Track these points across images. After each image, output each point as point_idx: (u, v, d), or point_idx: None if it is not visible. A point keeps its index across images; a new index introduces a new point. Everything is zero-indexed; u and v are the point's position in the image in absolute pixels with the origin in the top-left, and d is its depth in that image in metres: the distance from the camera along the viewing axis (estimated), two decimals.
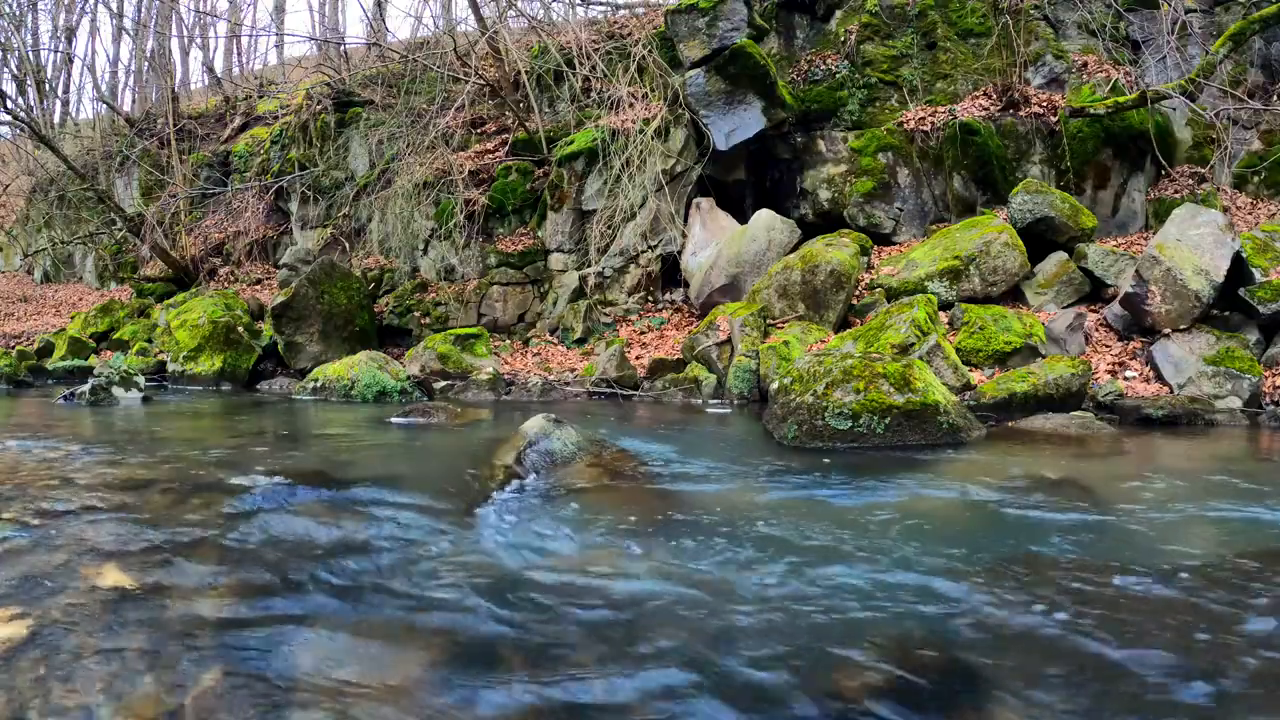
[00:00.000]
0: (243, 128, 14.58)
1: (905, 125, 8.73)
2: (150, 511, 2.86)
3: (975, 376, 6.10)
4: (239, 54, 19.34)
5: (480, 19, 11.05)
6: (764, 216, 8.36)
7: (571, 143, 9.39)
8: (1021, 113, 8.41)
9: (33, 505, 2.90)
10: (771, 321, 7.29)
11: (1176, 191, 8.29)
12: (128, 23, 17.92)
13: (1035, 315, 6.74)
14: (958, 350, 6.29)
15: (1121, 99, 7.87)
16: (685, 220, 8.88)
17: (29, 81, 15.55)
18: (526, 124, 10.24)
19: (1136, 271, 6.32)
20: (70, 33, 18.43)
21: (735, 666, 1.78)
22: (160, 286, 12.34)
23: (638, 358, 7.87)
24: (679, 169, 8.93)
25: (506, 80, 10.57)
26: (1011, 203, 7.52)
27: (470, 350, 8.13)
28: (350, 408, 6.65)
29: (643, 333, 8.54)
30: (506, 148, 10.40)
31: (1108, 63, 8.85)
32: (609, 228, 9.00)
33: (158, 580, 2.21)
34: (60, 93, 19.11)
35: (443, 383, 7.48)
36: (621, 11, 11.25)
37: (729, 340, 7.11)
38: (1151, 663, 1.80)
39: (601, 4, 11.57)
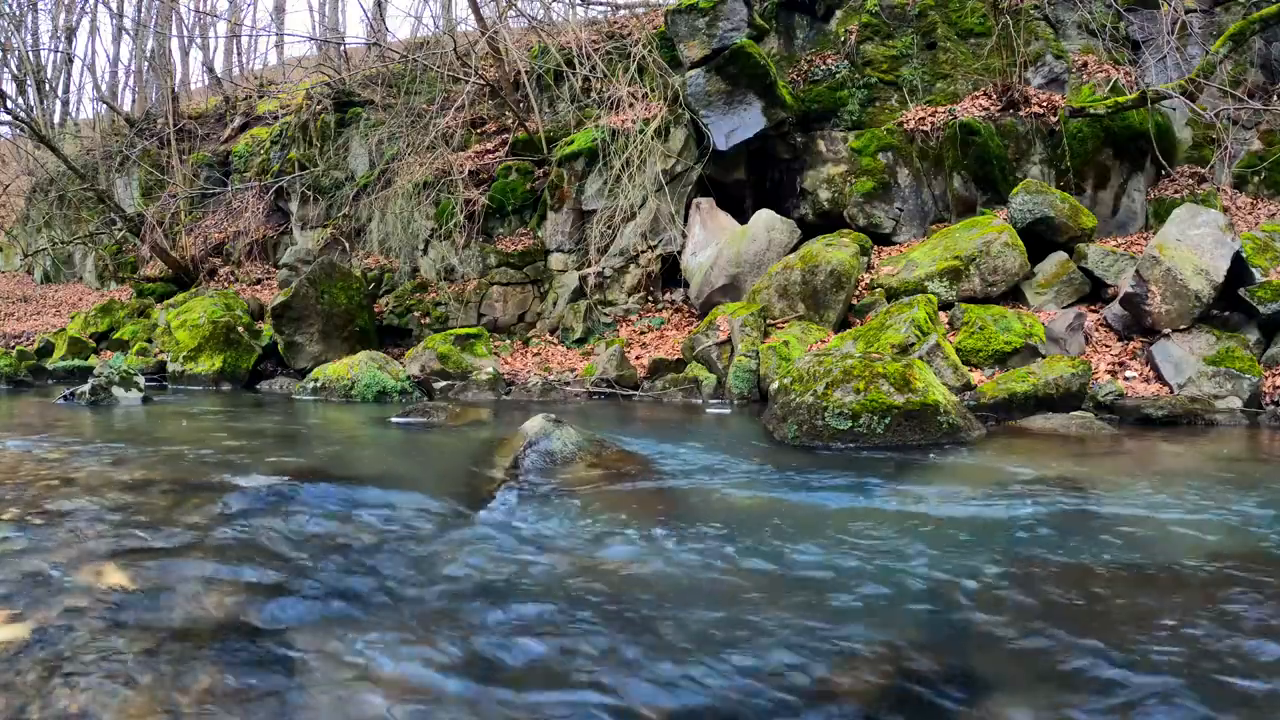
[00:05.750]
0: (243, 128, 14.58)
1: (905, 125, 8.73)
2: (150, 511, 2.86)
3: (975, 376, 6.10)
4: (239, 54, 19.36)
5: (480, 19, 11.05)
6: (764, 216, 8.36)
7: (571, 143, 9.39)
8: (1021, 113, 8.41)
9: (33, 505, 2.90)
10: (771, 321, 7.29)
11: (1176, 191, 8.28)
12: (128, 23, 17.93)
13: (1035, 315, 6.74)
14: (958, 350, 6.29)
15: (1121, 99, 7.87)
16: (685, 220, 8.88)
17: (29, 81, 15.55)
18: (526, 124, 10.23)
19: (1136, 271, 6.32)
20: (70, 33, 18.43)
21: (735, 665, 1.78)
22: (160, 286, 12.34)
23: (638, 358, 7.87)
24: (679, 169, 8.93)
25: (506, 80, 10.57)
26: (1011, 203, 7.52)
27: (470, 350, 8.13)
28: (350, 408, 6.65)
29: (643, 333, 8.54)
30: (506, 148, 10.40)
31: (1108, 63, 8.85)
32: (609, 228, 9.00)
33: (158, 580, 2.21)
34: (60, 93, 19.12)
35: (443, 383, 7.48)
36: (621, 11, 11.25)
37: (729, 340, 7.11)
38: (1151, 663, 1.80)
39: (601, 4, 11.57)
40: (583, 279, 9.10)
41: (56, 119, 18.71)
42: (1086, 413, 5.31)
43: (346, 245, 11.26)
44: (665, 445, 4.36)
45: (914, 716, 1.62)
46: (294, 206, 12.36)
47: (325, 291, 8.86)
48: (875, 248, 8.40)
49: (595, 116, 9.54)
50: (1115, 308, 6.57)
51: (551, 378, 7.77)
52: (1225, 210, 7.69)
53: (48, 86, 17.29)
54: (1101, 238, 7.85)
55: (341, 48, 14.67)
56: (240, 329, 9.07)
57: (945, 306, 6.98)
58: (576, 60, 9.77)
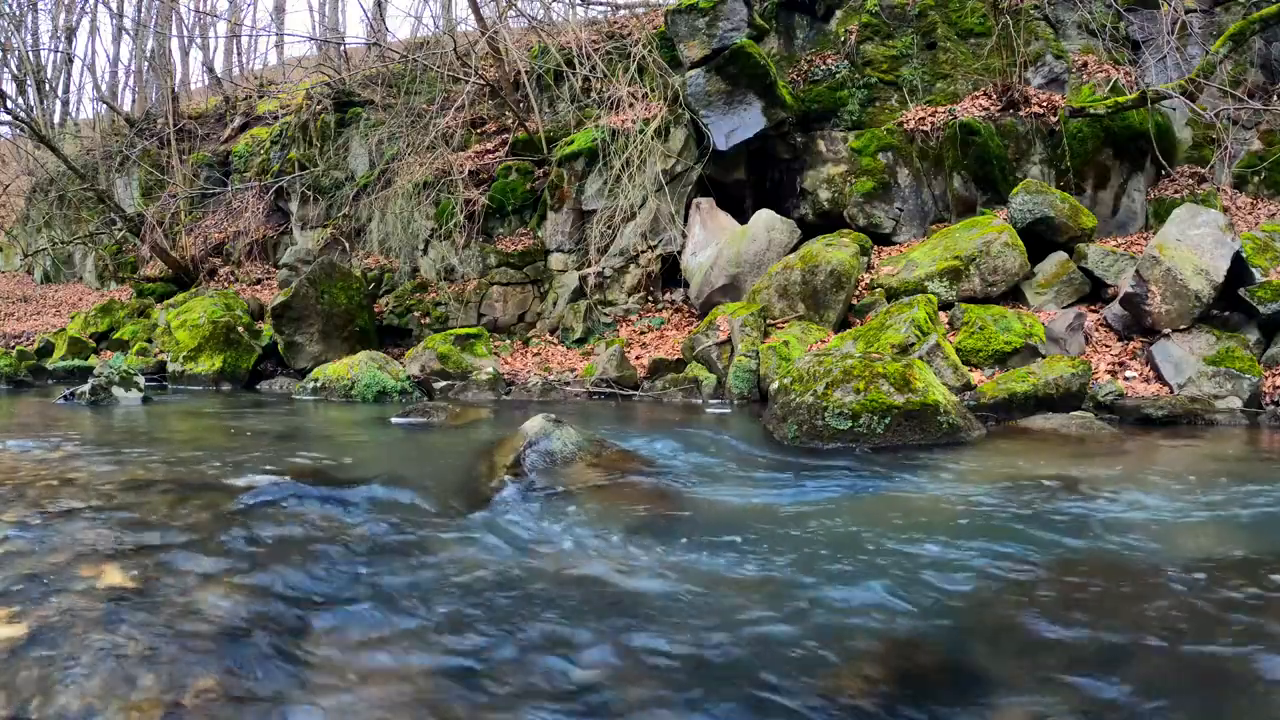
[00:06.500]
0: (243, 128, 14.58)
1: (905, 125, 8.73)
2: (150, 511, 2.86)
3: (975, 376, 6.10)
4: (239, 54, 19.36)
5: (480, 19, 11.05)
6: (764, 216, 8.36)
7: (571, 143, 9.39)
8: (1021, 113, 8.41)
9: (33, 505, 2.90)
10: (771, 321, 7.29)
11: (1176, 191, 8.28)
12: (128, 23, 17.92)
13: (1035, 315, 6.74)
14: (958, 350, 6.29)
15: (1121, 99, 7.87)
16: (685, 220, 8.88)
17: (29, 81, 15.55)
18: (526, 124, 10.23)
19: (1136, 271, 6.32)
20: (70, 33, 18.42)
21: (735, 664, 1.78)
22: (160, 286, 12.34)
23: (638, 358, 7.87)
24: (679, 169, 8.93)
25: (506, 80, 10.57)
26: (1011, 203, 7.52)
27: (470, 350, 8.13)
28: (350, 408, 6.65)
29: (643, 333, 8.54)
30: (506, 148, 10.40)
31: (1108, 63, 8.85)
32: (609, 228, 9.00)
33: (157, 580, 2.21)
34: (60, 93, 19.11)
35: (443, 383, 7.48)
36: (621, 11, 11.25)
37: (729, 340, 7.11)
38: (1148, 661, 1.80)
39: (601, 4, 11.57)
40: (583, 279, 9.10)
41: (56, 119, 18.70)
42: (1086, 413, 5.31)
43: (346, 245, 11.26)
44: (665, 445, 4.36)
45: (914, 716, 1.62)
46: (294, 206, 12.36)
47: (325, 291, 8.87)
48: (875, 248, 8.40)
49: (595, 116, 9.54)
50: (1115, 308, 6.57)
51: (551, 378, 7.77)
52: (1225, 210, 7.69)
53: (48, 86, 17.29)
54: (1101, 238, 7.85)
55: (341, 48, 14.67)
56: (240, 329, 9.07)
57: (945, 306, 6.98)
58: (576, 60, 9.77)
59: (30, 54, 16.05)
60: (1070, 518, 2.95)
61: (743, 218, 8.70)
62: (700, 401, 6.72)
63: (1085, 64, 8.85)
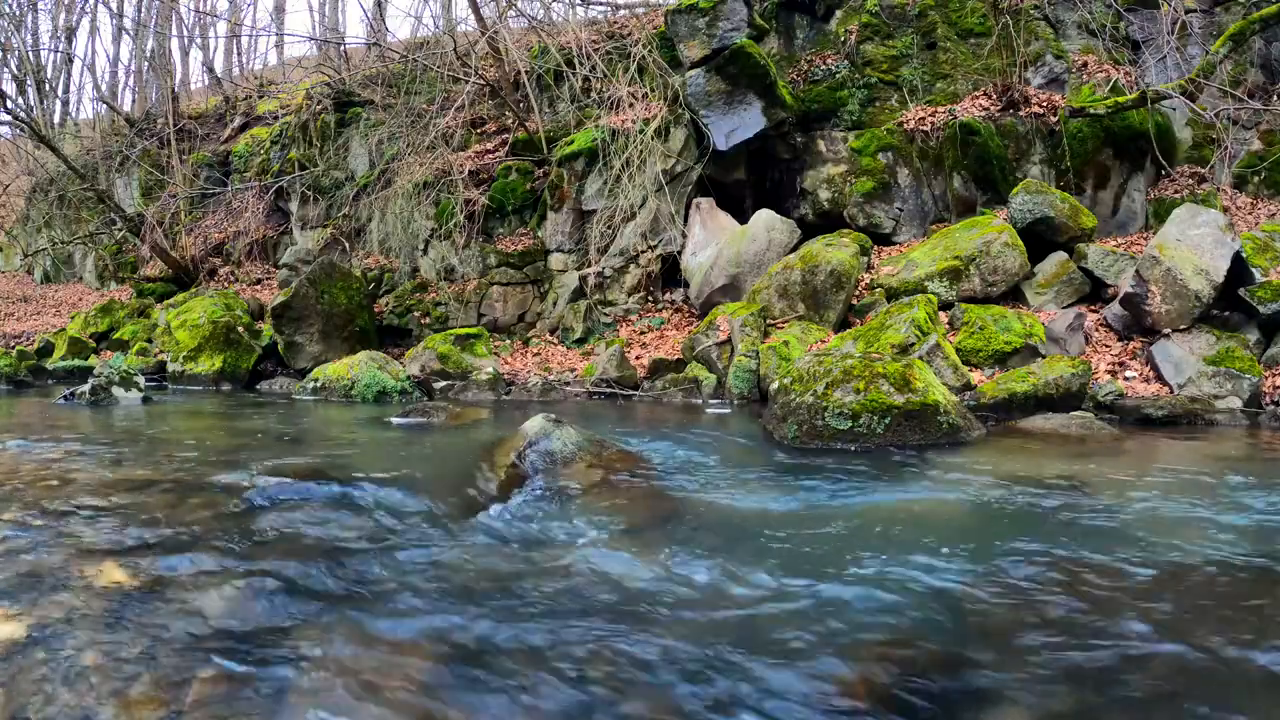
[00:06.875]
0: (243, 128, 14.58)
1: (905, 125, 8.73)
2: (150, 511, 2.86)
3: (975, 376, 6.10)
4: (239, 54, 19.37)
5: (480, 19, 11.05)
6: (764, 216, 8.36)
7: (571, 143, 9.39)
8: (1021, 113, 8.41)
9: (33, 505, 2.90)
10: (771, 321, 7.29)
11: (1176, 191, 8.28)
12: (128, 23, 17.92)
13: (1035, 315, 6.74)
14: (958, 350, 6.29)
15: (1121, 99, 7.87)
16: (685, 220, 8.88)
17: (29, 81, 15.55)
18: (526, 124, 10.24)
19: (1136, 271, 6.32)
20: (70, 33, 18.43)
21: (736, 666, 1.78)
22: (160, 286, 12.34)
23: (638, 358, 7.87)
24: (679, 169, 8.93)
25: (506, 80, 10.57)
26: (1011, 203, 7.52)
27: (470, 350, 8.13)
28: (350, 408, 6.65)
29: (643, 333, 8.54)
30: (506, 148, 10.40)
31: (1108, 63, 8.85)
32: (609, 228, 9.00)
33: (157, 580, 2.21)
34: (60, 93, 19.12)
35: (443, 383, 7.48)
36: (621, 11, 11.25)
37: (729, 340, 7.11)
38: (1149, 660, 1.80)
39: (601, 4, 11.58)
40: (583, 279, 9.10)
41: (56, 119, 18.71)
42: (1086, 413, 5.30)
43: (346, 245, 11.26)
44: (665, 445, 4.36)
45: (916, 716, 1.62)
46: (294, 206, 12.36)
47: (325, 291, 8.87)
48: (875, 248, 8.40)
49: (595, 116, 9.54)
50: (1115, 308, 6.57)
51: (551, 378, 7.77)
52: (1225, 210, 7.69)
53: (48, 86, 17.29)
54: (1101, 238, 7.85)
55: (341, 48, 14.68)
56: (240, 329, 9.07)
57: (945, 306, 6.98)
58: (576, 60, 9.77)
59: (30, 54, 16.05)
60: (1072, 517, 2.95)
61: (743, 218, 8.70)
62: (700, 401, 6.72)
63: (1085, 64, 8.85)
